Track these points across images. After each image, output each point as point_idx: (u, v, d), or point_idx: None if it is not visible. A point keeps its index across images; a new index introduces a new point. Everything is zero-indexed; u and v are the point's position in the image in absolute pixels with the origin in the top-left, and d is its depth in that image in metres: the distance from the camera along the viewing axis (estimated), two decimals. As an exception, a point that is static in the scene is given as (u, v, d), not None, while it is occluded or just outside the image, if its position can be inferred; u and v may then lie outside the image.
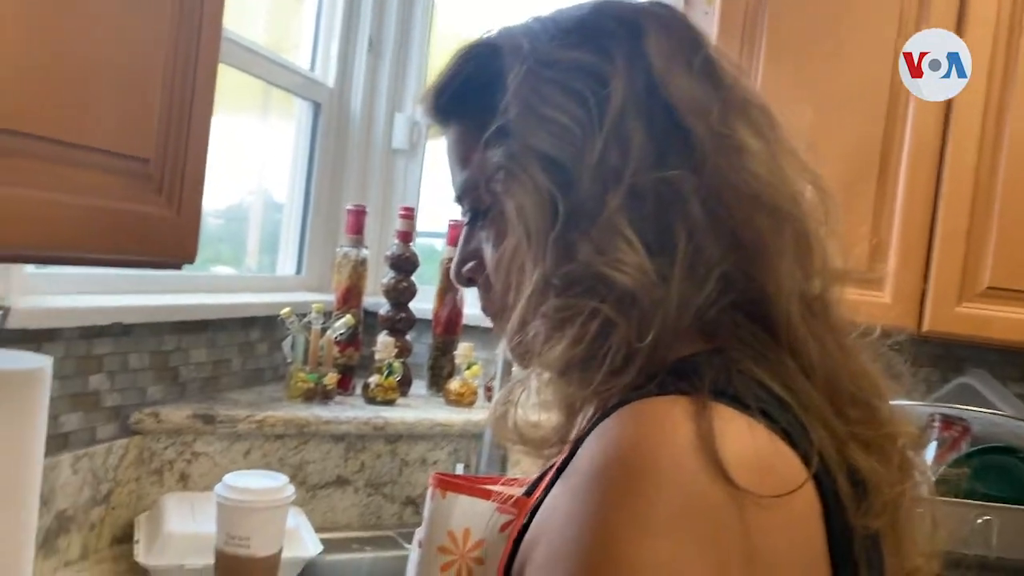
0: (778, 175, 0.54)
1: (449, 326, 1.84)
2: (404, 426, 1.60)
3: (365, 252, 1.77)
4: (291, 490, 1.16)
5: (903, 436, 0.54)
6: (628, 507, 0.43)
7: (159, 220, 0.85)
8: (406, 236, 1.79)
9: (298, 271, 1.98)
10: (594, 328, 0.53)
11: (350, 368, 1.76)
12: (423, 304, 1.86)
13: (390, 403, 1.69)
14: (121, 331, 1.32)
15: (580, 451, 0.49)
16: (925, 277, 1.54)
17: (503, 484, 0.66)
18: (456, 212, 0.70)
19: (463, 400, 1.74)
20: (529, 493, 0.62)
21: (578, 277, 0.53)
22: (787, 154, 0.56)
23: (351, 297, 1.76)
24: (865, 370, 0.56)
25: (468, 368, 1.76)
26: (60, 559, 1.23)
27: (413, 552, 0.66)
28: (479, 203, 0.62)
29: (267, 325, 1.71)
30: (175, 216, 0.86)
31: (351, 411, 1.60)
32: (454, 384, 1.76)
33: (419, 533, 0.66)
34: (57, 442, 1.21)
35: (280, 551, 1.15)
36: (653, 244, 0.52)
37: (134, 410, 1.37)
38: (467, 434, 1.66)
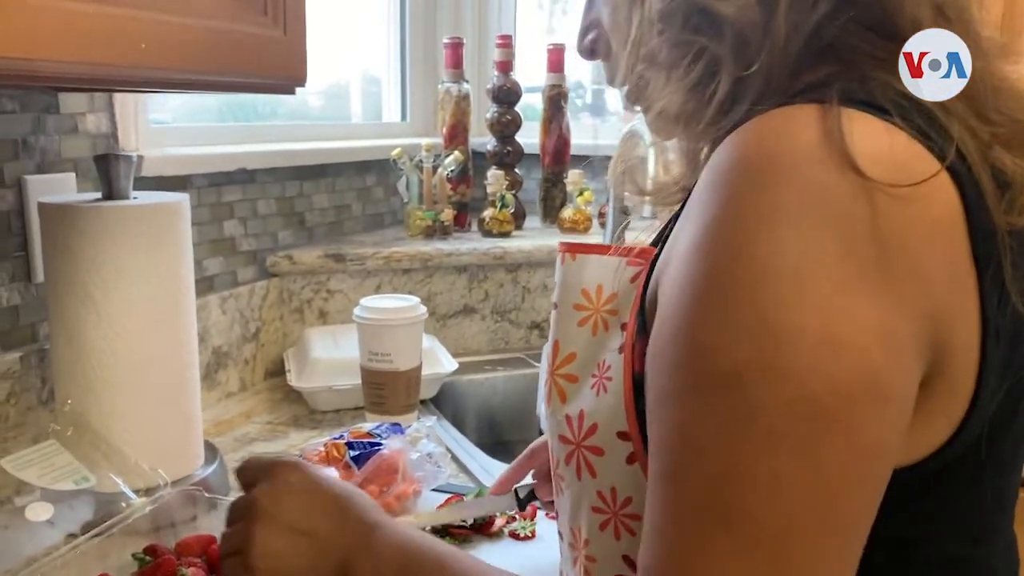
0: None
1: (557, 156, 1.83)
2: (522, 254, 1.63)
3: (466, 87, 1.77)
4: (423, 309, 1.21)
5: None
6: (751, 202, 0.43)
7: (268, 40, 0.87)
8: (505, 66, 1.76)
9: (403, 117, 2.00)
10: (700, 66, 0.51)
11: (464, 205, 1.79)
12: (529, 139, 1.85)
13: (506, 235, 1.71)
14: (246, 178, 1.38)
15: (703, 171, 0.48)
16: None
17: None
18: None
19: (578, 227, 1.75)
20: (656, 244, 0.63)
21: (678, 13, 0.51)
22: None
23: (457, 134, 1.77)
24: (1014, 88, 0.53)
25: (580, 195, 1.76)
26: (222, 391, 1.34)
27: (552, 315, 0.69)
28: None
29: (381, 170, 1.75)
30: (282, 36, 0.88)
31: (470, 243, 1.64)
32: (567, 212, 1.77)
33: (554, 296, 0.68)
34: (204, 284, 1.29)
35: (420, 366, 1.22)
36: None
37: (268, 254, 1.44)
38: (585, 258, 1.68)
